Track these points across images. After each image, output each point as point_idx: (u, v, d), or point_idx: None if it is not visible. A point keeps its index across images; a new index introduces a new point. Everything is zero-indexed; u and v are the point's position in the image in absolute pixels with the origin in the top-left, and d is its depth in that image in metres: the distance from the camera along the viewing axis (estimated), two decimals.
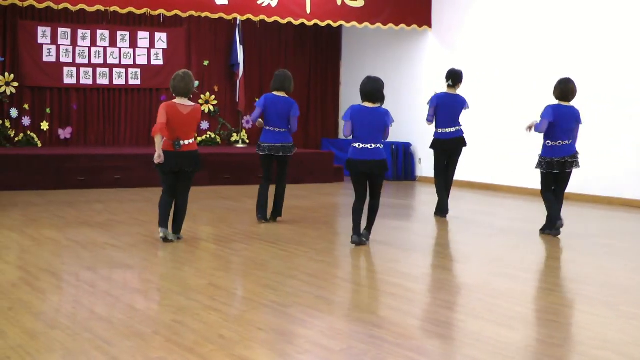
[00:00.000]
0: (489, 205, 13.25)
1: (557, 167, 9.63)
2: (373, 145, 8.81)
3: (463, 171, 13.82)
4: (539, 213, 12.30)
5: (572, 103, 9.82)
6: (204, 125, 18.07)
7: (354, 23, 16.27)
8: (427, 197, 15.02)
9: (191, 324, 5.74)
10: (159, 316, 6.03)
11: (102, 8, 14.17)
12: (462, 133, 11.36)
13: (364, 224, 9.13)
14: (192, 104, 8.91)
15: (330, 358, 5.14)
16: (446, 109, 11.23)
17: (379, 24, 16.44)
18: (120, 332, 5.50)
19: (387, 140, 9.23)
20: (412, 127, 16.99)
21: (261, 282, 7.21)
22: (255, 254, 8.51)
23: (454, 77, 11.30)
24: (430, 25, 17.06)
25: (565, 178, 9.78)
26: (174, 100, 8.96)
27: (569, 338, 5.57)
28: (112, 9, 14.25)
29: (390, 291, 7.03)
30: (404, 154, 17.35)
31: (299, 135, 19.29)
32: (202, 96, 18.02)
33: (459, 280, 7.78)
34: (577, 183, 12.53)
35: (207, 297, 6.59)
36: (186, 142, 8.85)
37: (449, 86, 11.30)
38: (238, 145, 18.22)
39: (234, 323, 5.83)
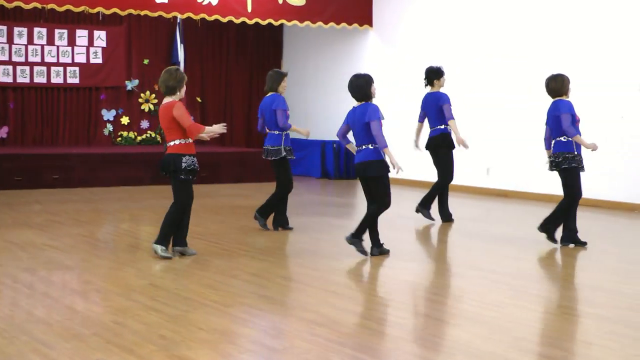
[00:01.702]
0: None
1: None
2: (363, 147, 8.29)
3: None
4: (480, 209, 12.43)
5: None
6: (144, 124, 17.90)
7: (296, 22, 16.25)
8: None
9: (131, 325, 5.67)
10: (99, 317, 5.95)
11: (39, 5, 13.93)
12: (441, 132, 10.88)
13: (381, 233, 8.65)
14: (170, 100, 8.11)
15: (272, 357, 5.13)
16: (425, 108, 11.07)
17: (320, 23, 16.45)
18: (58, 334, 5.41)
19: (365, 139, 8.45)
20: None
21: (203, 282, 7.16)
22: (197, 254, 8.44)
23: (425, 76, 11.07)
24: (371, 24, 17.13)
25: None
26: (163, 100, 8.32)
27: (511, 334, 5.62)
28: (50, 6, 14.02)
29: (332, 290, 7.03)
30: (345, 153, 17.37)
31: (241, 135, 19.24)
32: (142, 95, 17.84)
33: (402, 278, 7.81)
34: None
35: (148, 297, 6.52)
36: (169, 144, 8.18)
37: (425, 85, 11.14)
38: None
39: (175, 323, 5.77)
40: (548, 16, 13.81)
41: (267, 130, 10.04)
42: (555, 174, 9.31)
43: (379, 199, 8.35)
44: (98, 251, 8.78)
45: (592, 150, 9.05)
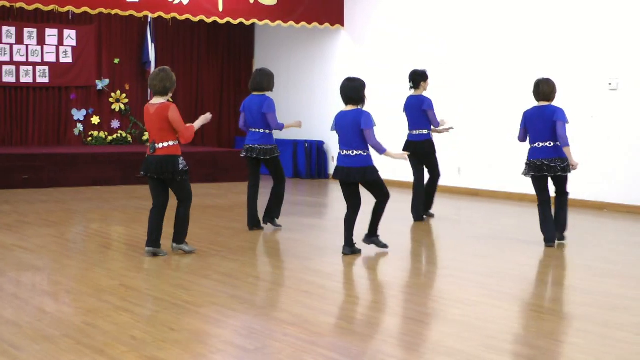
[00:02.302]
0: (407, 203, 13.38)
1: None
2: (354, 152, 8.31)
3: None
4: (451, 208, 12.49)
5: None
6: (115, 124, 17.81)
7: (267, 21, 16.24)
8: (340, 194, 15.09)
9: (102, 326, 5.64)
10: (69, 318, 5.92)
11: (7, 4, 13.83)
12: (424, 137, 10.96)
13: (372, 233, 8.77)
14: (163, 101, 8.11)
15: (244, 357, 5.12)
16: (408, 110, 11.12)
17: (291, 23, 16.45)
18: (28, 336, 5.37)
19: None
20: (325, 125, 17.03)
21: (174, 282, 7.14)
22: (168, 254, 8.41)
23: (410, 79, 11.10)
24: (342, 24, 17.16)
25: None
26: (150, 101, 8.32)
27: (481, 332, 5.66)
28: (18, 5, 13.90)
29: (304, 289, 7.04)
30: (317, 152, 17.40)
31: (213, 134, 19.20)
32: (112, 94, 17.76)
33: (373, 278, 7.84)
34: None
35: (119, 298, 6.49)
36: (160, 145, 8.11)
37: (410, 88, 11.18)
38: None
39: (146, 324, 5.76)
40: (516, 16, 13.89)
41: (251, 129, 9.98)
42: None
43: (382, 194, 8.54)
44: (68, 252, 8.73)
45: (573, 168, 9.17)
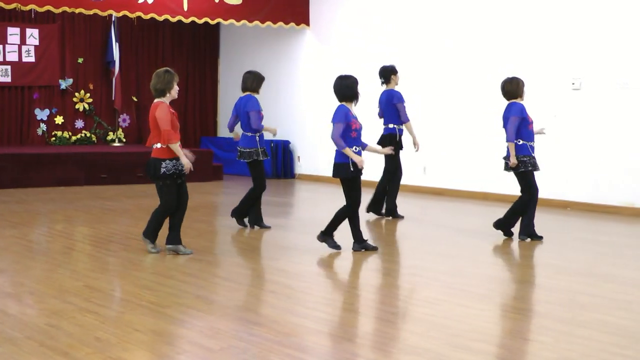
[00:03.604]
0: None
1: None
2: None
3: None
4: (416, 207, 12.53)
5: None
6: (79, 124, 17.66)
7: (232, 21, 16.20)
8: (306, 194, 15.11)
9: (66, 327, 5.59)
10: (33, 320, 5.85)
11: None
12: (388, 131, 11.07)
13: (314, 232, 8.89)
14: (159, 101, 8.19)
15: (210, 357, 5.10)
16: (381, 105, 11.18)
17: (257, 22, 16.43)
18: None
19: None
20: (291, 125, 17.07)
21: (139, 283, 7.09)
22: (133, 255, 8.36)
23: (381, 75, 11.18)
24: (308, 23, 17.16)
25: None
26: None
27: (446, 331, 5.68)
28: None
29: (270, 289, 7.03)
30: (283, 152, 17.38)
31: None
32: (76, 94, 17.61)
33: (338, 277, 7.84)
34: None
35: (83, 299, 6.43)
36: (153, 146, 8.20)
37: (381, 84, 11.25)
38: (114, 144, 17.90)
39: (110, 325, 5.71)
40: (481, 16, 13.98)
41: (244, 133, 10.07)
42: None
43: (347, 199, 8.56)
44: (31, 253, 8.64)
45: (511, 165, 9.26)
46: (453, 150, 14.31)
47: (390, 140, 11.04)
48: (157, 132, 8.12)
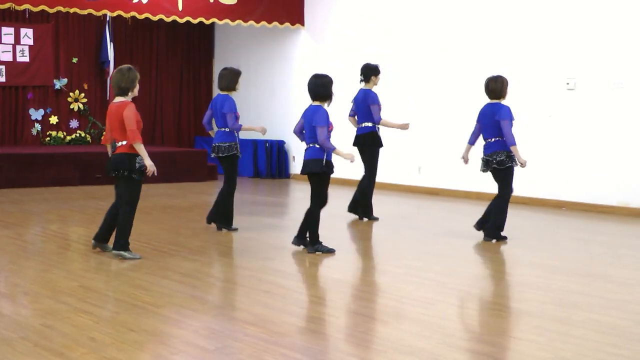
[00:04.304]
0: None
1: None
2: (310, 145, 8.49)
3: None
4: (411, 207, 12.54)
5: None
6: (73, 124, 17.64)
7: (227, 20, 16.20)
8: (301, 194, 15.09)
9: (61, 328, 5.58)
10: (27, 320, 5.85)
11: None
12: (368, 130, 10.91)
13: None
14: (123, 100, 8.05)
15: (205, 357, 5.10)
16: (357, 104, 11.10)
17: (252, 22, 16.42)
18: None
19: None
20: (286, 125, 17.04)
21: (133, 283, 7.09)
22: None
23: (362, 73, 11.05)
24: (303, 23, 17.15)
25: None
26: (114, 100, 8.22)
27: (441, 331, 5.68)
28: None
29: (264, 289, 7.02)
30: (277, 152, 17.38)
31: (172, 134, 19.10)
32: (71, 94, 17.58)
33: (333, 276, 7.84)
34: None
35: (78, 299, 6.43)
36: (119, 144, 8.07)
37: (360, 81, 11.15)
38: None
39: (105, 325, 5.70)
40: (476, 15, 14.00)
41: (216, 128, 9.94)
42: (486, 173, 9.48)
43: (314, 197, 8.58)
44: (26, 253, 8.62)
45: (522, 166, 9.23)
46: (448, 151, 14.31)
47: (373, 139, 10.94)
48: (123, 131, 8.03)
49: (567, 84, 12.75)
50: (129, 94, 8.12)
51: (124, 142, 8.03)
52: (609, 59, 12.32)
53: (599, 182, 12.42)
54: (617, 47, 12.23)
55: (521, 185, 12.93)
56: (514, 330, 5.90)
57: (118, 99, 8.10)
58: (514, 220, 10.58)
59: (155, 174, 8.12)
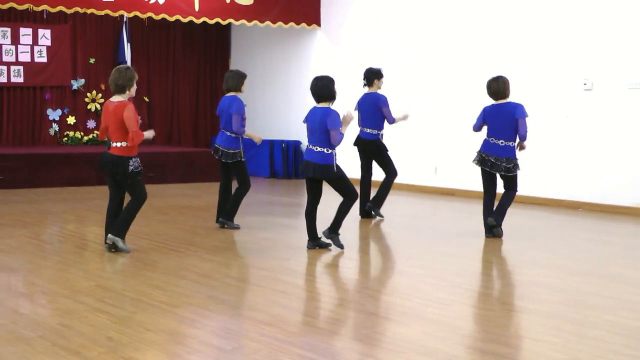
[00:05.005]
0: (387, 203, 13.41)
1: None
2: (318, 149, 8.52)
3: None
4: (427, 207, 12.53)
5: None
6: (91, 124, 17.71)
7: (243, 21, 16.23)
8: None
9: (78, 327, 5.62)
10: (45, 320, 5.89)
11: None
12: (374, 137, 10.99)
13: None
14: (121, 99, 8.13)
15: (221, 357, 5.12)
16: (362, 108, 11.14)
17: (268, 22, 16.45)
18: (3, 338, 5.34)
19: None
20: (302, 126, 17.01)
21: (150, 283, 7.12)
22: (145, 254, 8.39)
23: (365, 77, 11.10)
24: (319, 24, 17.16)
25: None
26: (111, 98, 8.33)
27: (457, 331, 5.69)
28: None
29: (280, 289, 7.04)
30: (294, 152, 17.40)
31: (189, 134, 19.15)
32: (88, 94, 17.66)
33: (349, 277, 7.85)
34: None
35: (95, 299, 6.46)
36: (113, 144, 8.16)
37: (363, 85, 11.20)
38: None
39: (122, 325, 5.74)
40: (492, 15, 13.97)
41: (223, 131, 10.01)
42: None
43: (345, 194, 8.65)
44: (43, 253, 8.68)
45: (522, 149, 9.59)
46: (464, 151, 14.27)
47: (378, 147, 11.03)
48: (122, 131, 8.10)
49: (584, 84, 12.71)
50: (127, 92, 8.17)
51: (121, 144, 8.14)
52: (626, 60, 12.27)
53: (616, 183, 12.37)
54: (635, 47, 12.18)
55: (537, 185, 12.93)
56: (530, 331, 5.89)
57: (115, 98, 8.18)
58: (530, 222, 10.57)
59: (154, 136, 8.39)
